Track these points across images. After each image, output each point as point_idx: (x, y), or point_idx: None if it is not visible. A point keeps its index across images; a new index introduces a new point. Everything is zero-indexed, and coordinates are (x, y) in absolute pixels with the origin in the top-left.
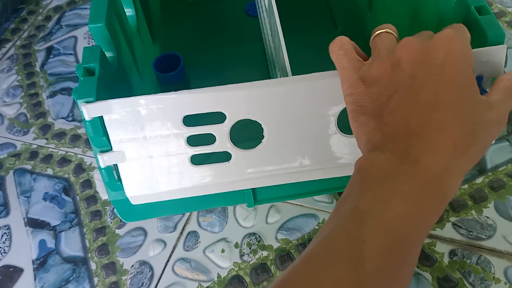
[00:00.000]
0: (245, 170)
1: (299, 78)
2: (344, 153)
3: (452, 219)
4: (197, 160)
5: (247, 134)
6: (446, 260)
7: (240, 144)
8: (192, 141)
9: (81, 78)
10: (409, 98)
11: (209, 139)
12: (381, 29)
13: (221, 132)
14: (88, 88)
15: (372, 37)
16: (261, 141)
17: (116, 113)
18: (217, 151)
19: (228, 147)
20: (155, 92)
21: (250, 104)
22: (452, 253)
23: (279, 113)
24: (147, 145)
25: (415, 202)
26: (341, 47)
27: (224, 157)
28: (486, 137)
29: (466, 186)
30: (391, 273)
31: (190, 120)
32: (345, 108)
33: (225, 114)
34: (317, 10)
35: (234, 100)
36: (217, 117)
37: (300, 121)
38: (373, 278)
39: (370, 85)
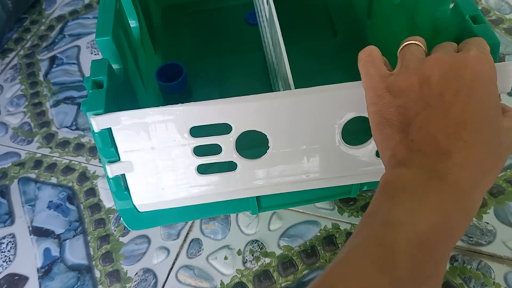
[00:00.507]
0: (251, 179)
1: (304, 91)
2: (348, 163)
3: None
4: (202, 167)
5: (251, 140)
6: (447, 266)
7: (244, 151)
8: (198, 148)
9: (90, 91)
10: (436, 116)
11: (214, 146)
12: (410, 41)
13: (227, 142)
14: (97, 100)
15: (400, 48)
16: (265, 149)
17: (124, 124)
18: (223, 161)
19: (234, 157)
20: (159, 102)
21: (256, 116)
22: (452, 258)
23: (284, 125)
24: (155, 155)
25: (445, 214)
26: (369, 55)
27: (228, 164)
28: (505, 159)
29: None
30: (423, 282)
31: (196, 129)
32: (349, 119)
33: (231, 125)
34: (316, 18)
35: (240, 112)
36: (223, 127)
37: (304, 132)
38: (406, 286)
39: (396, 96)
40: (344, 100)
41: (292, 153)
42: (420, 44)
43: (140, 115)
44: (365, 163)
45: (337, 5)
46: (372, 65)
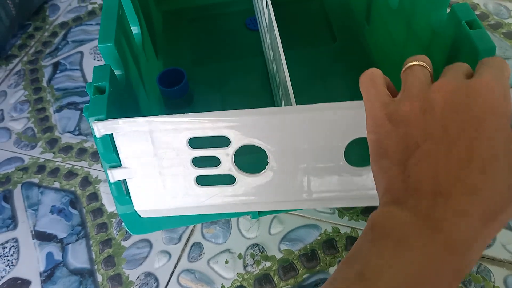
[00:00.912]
0: (249, 195)
1: (306, 108)
2: (352, 185)
3: None
4: (201, 176)
5: (251, 147)
6: None
7: (245, 155)
8: (198, 158)
9: (92, 97)
10: (438, 151)
11: (214, 156)
12: (413, 61)
13: (225, 155)
14: (99, 106)
15: (403, 69)
16: (266, 156)
17: (125, 131)
18: (221, 173)
19: (233, 171)
20: (160, 107)
21: (255, 131)
22: None
23: (284, 142)
24: (155, 163)
25: (430, 276)
26: (371, 79)
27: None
28: None
29: None
30: None
31: (196, 139)
32: (354, 140)
33: (230, 139)
34: (316, 23)
35: (239, 126)
36: (224, 138)
37: (305, 151)
38: None
39: (396, 125)
40: (349, 120)
41: (292, 171)
42: (425, 66)
43: (140, 123)
44: (367, 187)
45: (336, 11)
46: (373, 90)
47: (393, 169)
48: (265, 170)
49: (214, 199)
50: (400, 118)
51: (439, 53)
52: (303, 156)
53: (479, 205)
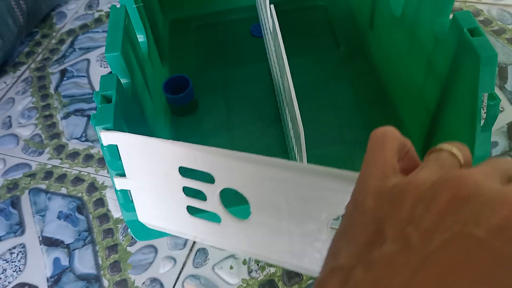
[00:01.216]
0: (234, 238)
1: (297, 166)
2: None
3: None
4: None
5: None
6: None
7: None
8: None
9: (99, 106)
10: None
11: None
12: (444, 148)
13: (211, 193)
14: (106, 115)
15: (429, 152)
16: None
17: (126, 146)
18: (208, 210)
19: (219, 209)
20: (166, 114)
21: (240, 177)
22: None
23: (267, 196)
24: (152, 181)
25: None
26: (383, 139)
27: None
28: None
29: None
30: None
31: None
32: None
33: (215, 178)
34: (320, 30)
35: (225, 167)
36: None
37: (289, 211)
38: None
39: (379, 207)
40: (341, 191)
41: (274, 228)
42: (457, 154)
43: (135, 141)
44: None
45: (339, 17)
46: (379, 154)
47: (345, 258)
48: (248, 219)
49: (203, 231)
50: (388, 200)
51: (442, 60)
52: (287, 216)
53: None
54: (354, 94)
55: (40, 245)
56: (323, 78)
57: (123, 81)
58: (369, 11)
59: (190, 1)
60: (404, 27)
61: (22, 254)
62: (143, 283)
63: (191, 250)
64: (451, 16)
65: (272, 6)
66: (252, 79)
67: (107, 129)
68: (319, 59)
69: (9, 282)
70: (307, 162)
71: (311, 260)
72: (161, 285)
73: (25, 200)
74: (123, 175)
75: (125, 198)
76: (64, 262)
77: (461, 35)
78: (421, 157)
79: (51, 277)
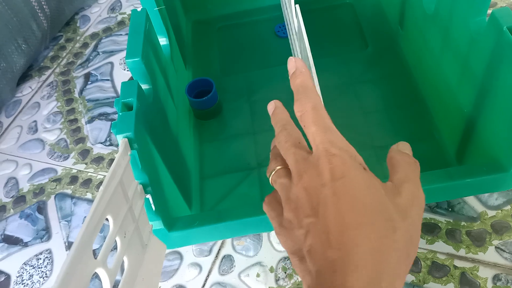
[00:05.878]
0: None
1: None
2: None
3: (495, 242)
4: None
5: None
6: (489, 285)
7: None
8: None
9: (120, 113)
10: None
11: None
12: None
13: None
14: (127, 123)
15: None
16: None
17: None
18: None
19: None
20: (189, 118)
21: None
22: (495, 278)
23: None
24: None
25: None
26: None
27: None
28: (413, 255)
29: (508, 207)
30: None
31: None
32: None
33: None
34: (347, 29)
35: None
36: None
37: None
38: None
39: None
40: None
41: None
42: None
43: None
44: None
45: (368, 15)
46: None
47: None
48: None
49: None
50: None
51: (478, 61)
52: None
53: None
54: (383, 97)
55: (67, 250)
56: (351, 80)
57: (144, 87)
58: (399, 8)
59: (213, 2)
60: (437, 25)
61: (49, 260)
62: None
63: (216, 256)
64: (488, 12)
65: (297, 5)
66: (277, 81)
67: (128, 137)
68: (347, 60)
69: None
70: None
71: None
72: None
73: (51, 205)
74: (146, 183)
75: (148, 207)
76: None
77: (500, 34)
78: (457, 164)
79: None
